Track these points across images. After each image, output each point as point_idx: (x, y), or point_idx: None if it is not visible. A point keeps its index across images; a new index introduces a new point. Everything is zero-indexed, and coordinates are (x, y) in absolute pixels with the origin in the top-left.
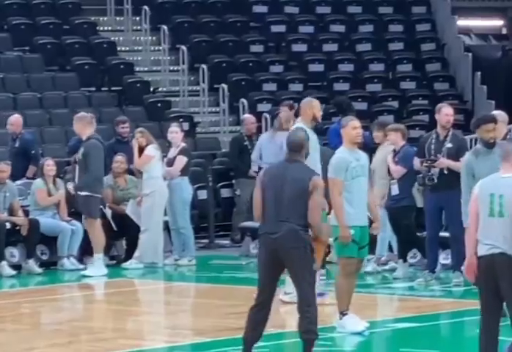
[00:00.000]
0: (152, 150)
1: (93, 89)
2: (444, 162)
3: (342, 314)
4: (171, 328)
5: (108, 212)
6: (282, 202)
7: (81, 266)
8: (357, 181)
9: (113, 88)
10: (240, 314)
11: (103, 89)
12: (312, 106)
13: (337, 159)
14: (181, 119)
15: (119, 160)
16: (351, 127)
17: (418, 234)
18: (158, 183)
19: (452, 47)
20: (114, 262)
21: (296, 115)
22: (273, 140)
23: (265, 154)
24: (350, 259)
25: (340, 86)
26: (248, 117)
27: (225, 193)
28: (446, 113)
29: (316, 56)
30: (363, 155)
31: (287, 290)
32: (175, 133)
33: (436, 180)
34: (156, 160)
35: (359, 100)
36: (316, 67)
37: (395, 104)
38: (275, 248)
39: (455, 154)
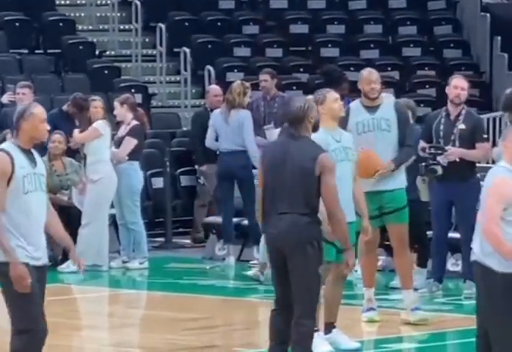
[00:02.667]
0: (103, 126)
1: (25, 51)
2: (455, 152)
3: (333, 326)
4: (116, 345)
5: None
6: (282, 189)
7: None
8: (339, 167)
9: (49, 50)
10: (202, 329)
11: (37, 51)
12: None
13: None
14: (133, 90)
15: (57, 139)
16: (332, 100)
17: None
18: (106, 168)
19: (466, 5)
20: (49, 264)
21: (278, 86)
22: (228, 120)
23: (221, 137)
24: (327, 264)
25: (328, 52)
26: (213, 88)
27: (186, 181)
28: (455, 85)
29: (299, 15)
30: (346, 135)
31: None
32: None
33: (440, 172)
34: (106, 140)
35: (352, 69)
36: (299, 28)
37: (396, 75)
38: (278, 246)
39: (469, 137)
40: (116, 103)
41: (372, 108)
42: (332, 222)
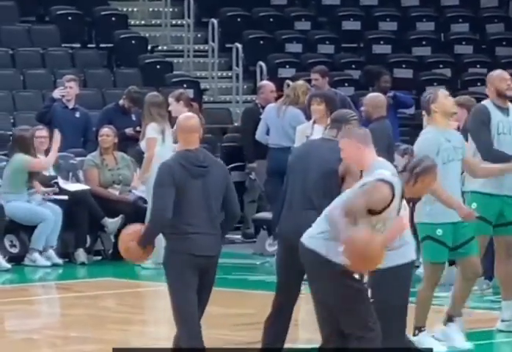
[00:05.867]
0: (152, 131)
1: (77, 45)
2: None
3: (419, 330)
4: (166, 339)
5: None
6: (306, 187)
7: (59, 261)
8: (449, 167)
9: (102, 45)
10: (252, 325)
11: (89, 45)
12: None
13: (425, 140)
14: (185, 85)
15: (105, 132)
16: (444, 97)
17: None
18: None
19: None
20: (100, 258)
21: (329, 83)
22: (281, 115)
23: (272, 132)
24: (437, 265)
25: (380, 49)
26: (266, 84)
27: (237, 176)
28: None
29: (351, 11)
30: (455, 135)
31: (505, 317)
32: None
33: None
34: (159, 137)
35: (404, 66)
36: (351, 25)
37: (447, 72)
38: (295, 244)
39: None
40: (171, 99)
41: (505, 110)
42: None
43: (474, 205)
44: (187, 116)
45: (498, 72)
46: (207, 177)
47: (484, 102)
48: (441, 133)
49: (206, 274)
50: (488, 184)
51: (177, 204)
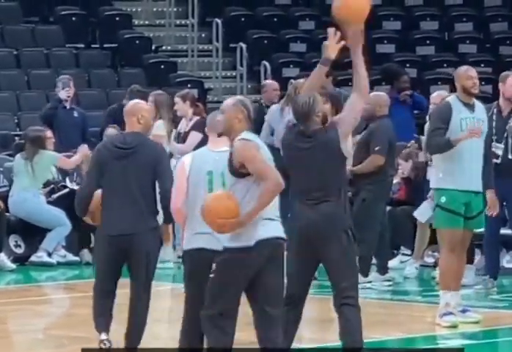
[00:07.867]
0: (162, 127)
1: (81, 45)
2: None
3: None
4: (174, 339)
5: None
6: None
7: (76, 258)
8: None
9: (106, 45)
10: None
11: (93, 46)
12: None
13: None
14: (189, 85)
15: (111, 132)
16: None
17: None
18: None
19: None
20: None
21: (335, 83)
22: (286, 115)
23: (277, 131)
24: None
25: (384, 48)
26: (269, 83)
27: None
28: None
29: None
30: None
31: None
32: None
33: None
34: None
35: (408, 65)
36: None
37: (452, 71)
38: (311, 236)
39: None
40: (177, 99)
41: (470, 106)
42: None
43: (443, 199)
44: (133, 102)
45: (464, 69)
46: (130, 159)
47: (449, 98)
48: None
49: (132, 254)
50: (453, 181)
51: (102, 185)
